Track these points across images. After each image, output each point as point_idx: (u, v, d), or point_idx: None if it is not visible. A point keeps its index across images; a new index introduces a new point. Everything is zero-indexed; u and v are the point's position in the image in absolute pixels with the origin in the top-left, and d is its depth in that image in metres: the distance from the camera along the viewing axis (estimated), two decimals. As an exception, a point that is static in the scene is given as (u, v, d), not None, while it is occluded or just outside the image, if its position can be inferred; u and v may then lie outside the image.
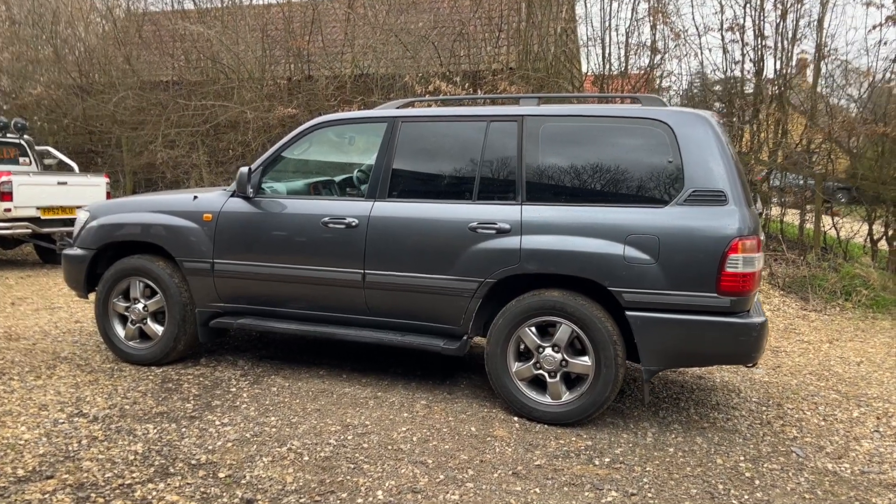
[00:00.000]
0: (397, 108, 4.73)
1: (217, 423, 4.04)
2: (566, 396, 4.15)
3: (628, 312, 3.95)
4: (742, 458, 3.83)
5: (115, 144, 14.24)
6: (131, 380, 4.77)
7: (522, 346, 4.25)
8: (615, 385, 4.05)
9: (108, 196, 11.40)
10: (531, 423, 4.16)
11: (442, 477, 3.44)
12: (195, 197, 4.98)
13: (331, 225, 4.54)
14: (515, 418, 4.23)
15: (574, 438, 3.99)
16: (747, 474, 3.62)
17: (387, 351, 5.52)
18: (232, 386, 4.69)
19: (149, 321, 5.08)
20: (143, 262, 5.02)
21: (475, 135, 4.41)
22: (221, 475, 3.38)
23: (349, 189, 5.36)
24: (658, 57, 12.22)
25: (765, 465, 3.74)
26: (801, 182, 10.86)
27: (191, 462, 3.52)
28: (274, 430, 3.95)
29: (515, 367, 4.24)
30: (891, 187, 9.35)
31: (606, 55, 11.69)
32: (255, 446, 3.73)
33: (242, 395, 4.51)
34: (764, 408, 4.69)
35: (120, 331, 5.17)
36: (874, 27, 10.56)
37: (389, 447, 3.76)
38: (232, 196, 4.86)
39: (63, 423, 3.99)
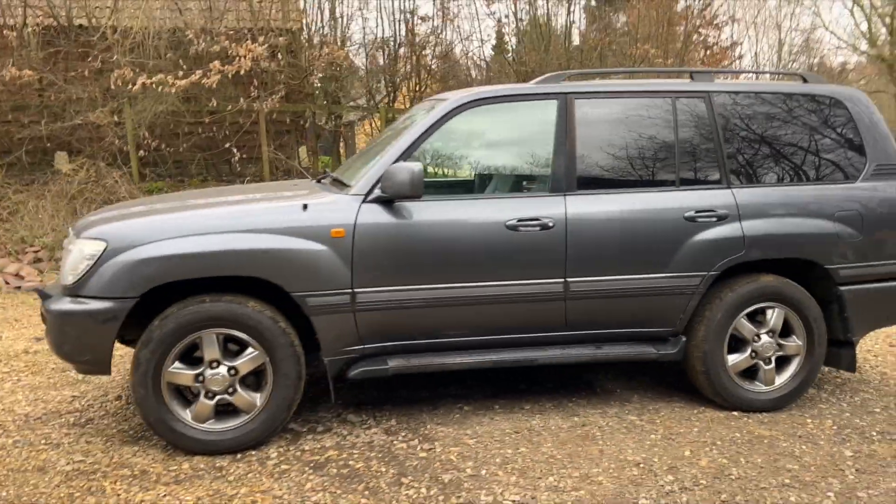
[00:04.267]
0: (559, 81, 3.97)
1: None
2: (779, 381, 4.09)
3: (843, 287, 4.03)
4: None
5: None
6: (266, 476, 3.29)
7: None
8: (822, 362, 4.13)
9: None
10: (758, 415, 4.01)
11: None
12: (305, 206, 3.55)
13: (521, 229, 3.68)
14: (735, 413, 4.03)
15: (808, 420, 3.97)
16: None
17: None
18: (413, 449, 3.56)
19: (239, 389, 3.53)
20: (229, 306, 3.43)
21: (663, 113, 3.97)
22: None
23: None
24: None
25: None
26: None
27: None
28: (597, 485, 3.15)
29: (731, 359, 4.02)
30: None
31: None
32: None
33: (451, 458, 3.46)
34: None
35: (183, 411, 3.50)
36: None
37: (774, 479, 3.28)
38: (366, 201, 3.59)
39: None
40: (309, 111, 11.34)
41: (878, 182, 4.11)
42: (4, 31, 9.20)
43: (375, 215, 3.58)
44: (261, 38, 9.43)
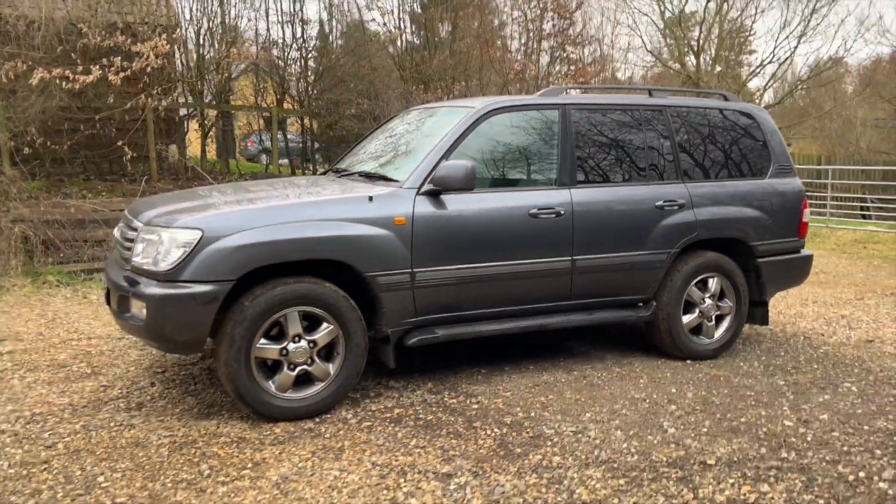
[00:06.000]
0: (557, 94, 4.79)
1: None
2: (717, 334, 5.21)
3: (759, 259, 5.23)
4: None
5: None
6: (358, 431, 3.80)
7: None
8: (745, 318, 5.31)
9: None
10: (705, 361, 5.09)
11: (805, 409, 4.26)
12: (371, 198, 4.07)
13: (541, 216, 4.46)
14: (688, 361, 5.08)
15: (741, 364, 5.12)
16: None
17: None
18: (463, 403, 4.21)
19: (317, 360, 3.99)
20: (312, 287, 3.89)
21: (634, 122, 4.93)
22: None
23: None
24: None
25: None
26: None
27: None
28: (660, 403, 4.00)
29: (685, 319, 5.07)
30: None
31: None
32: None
33: (499, 407, 4.16)
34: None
35: (267, 383, 3.90)
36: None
37: (743, 402, 4.29)
38: (419, 193, 4.18)
39: None
40: (198, 109, 11.28)
41: (779, 178, 5.37)
42: None
43: (428, 205, 4.18)
44: (164, 35, 9.36)
